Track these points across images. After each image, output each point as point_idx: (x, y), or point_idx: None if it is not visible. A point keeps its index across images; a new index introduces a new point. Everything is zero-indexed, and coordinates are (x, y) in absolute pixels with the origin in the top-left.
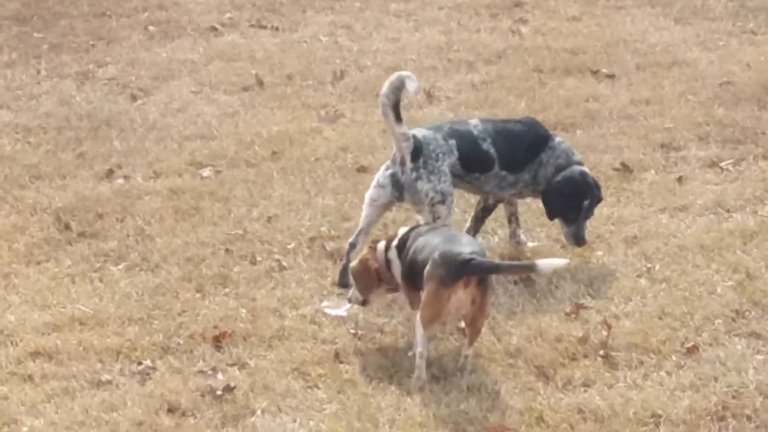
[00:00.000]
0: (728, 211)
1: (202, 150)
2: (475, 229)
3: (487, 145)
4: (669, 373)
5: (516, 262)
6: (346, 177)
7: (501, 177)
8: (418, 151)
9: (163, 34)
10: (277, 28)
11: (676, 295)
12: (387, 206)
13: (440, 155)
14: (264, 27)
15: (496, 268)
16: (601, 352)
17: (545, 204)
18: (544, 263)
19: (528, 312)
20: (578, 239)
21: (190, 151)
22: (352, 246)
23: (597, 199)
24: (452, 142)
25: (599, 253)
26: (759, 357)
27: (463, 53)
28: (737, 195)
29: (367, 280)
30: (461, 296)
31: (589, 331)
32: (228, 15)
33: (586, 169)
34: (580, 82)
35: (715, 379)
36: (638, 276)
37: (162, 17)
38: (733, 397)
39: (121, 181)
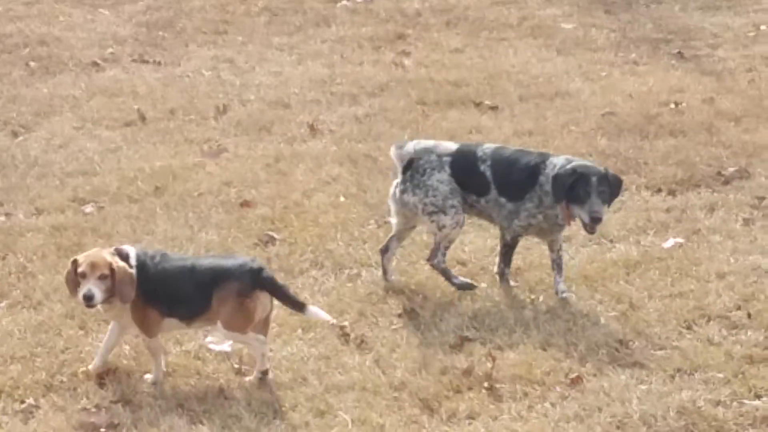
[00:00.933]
0: (611, 241)
1: (85, 186)
2: (503, 262)
3: (484, 167)
4: (553, 405)
5: (292, 295)
6: (230, 212)
7: (501, 204)
8: (409, 164)
9: (44, 69)
10: (159, 63)
11: (560, 326)
12: (407, 215)
13: (428, 170)
14: (146, 62)
15: (282, 287)
16: (486, 384)
17: (554, 193)
18: (313, 311)
19: (412, 344)
20: (592, 213)
21: (73, 187)
22: (384, 251)
23: (610, 183)
24: (447, 159)
25: (483, 284)
26: (642, 387)
27: (346, 86)
28: (620, 225)
29: (131, 288)
30: (264, 301)
31: (473, 363)
32: (110, 50)
33: None
34: (463, 114)
35: (599, 409)
36: (522, 307)
37: (43, 53)
38: (618, 428)
39: (2, 218)
